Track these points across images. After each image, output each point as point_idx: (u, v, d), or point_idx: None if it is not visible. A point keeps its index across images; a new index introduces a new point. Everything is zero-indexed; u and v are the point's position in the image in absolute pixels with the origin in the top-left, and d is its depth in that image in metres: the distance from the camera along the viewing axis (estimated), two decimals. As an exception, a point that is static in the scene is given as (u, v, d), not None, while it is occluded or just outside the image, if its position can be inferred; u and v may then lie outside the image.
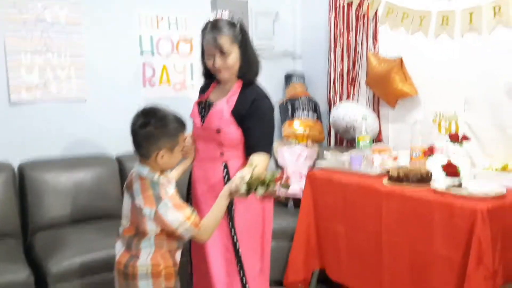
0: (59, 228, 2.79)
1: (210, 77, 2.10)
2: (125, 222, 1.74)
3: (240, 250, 1.98)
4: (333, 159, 2.96)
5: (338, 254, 2.69)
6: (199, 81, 2.27)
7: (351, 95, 3.50)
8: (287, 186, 1.70)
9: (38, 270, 2.40)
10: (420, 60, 2.99)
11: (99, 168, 3.08)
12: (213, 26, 1.94)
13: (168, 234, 1.67)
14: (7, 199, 2.72)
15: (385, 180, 2.50)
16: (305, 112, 3.60)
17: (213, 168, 2.00)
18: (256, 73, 2.03)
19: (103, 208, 2.99)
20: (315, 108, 3.67)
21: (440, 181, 2.33)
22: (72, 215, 2.89)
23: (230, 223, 1.98)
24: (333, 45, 3.60)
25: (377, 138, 3.30)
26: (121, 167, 3.14)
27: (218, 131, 1.94)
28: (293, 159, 3.29)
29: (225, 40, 1.91)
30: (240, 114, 1.95)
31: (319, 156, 3.34)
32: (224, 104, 1.97)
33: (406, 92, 3.04)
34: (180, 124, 1.72)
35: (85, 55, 3.11)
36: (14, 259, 2.40)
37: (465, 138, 2.59)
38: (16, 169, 2.87)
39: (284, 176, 1.75)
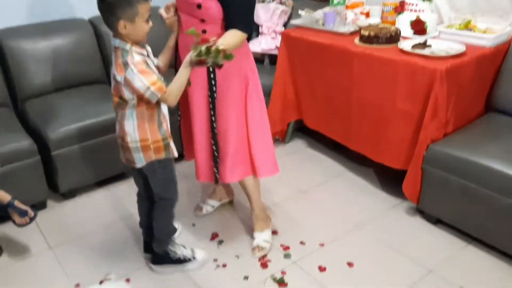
0: (47, 95, 2.91)
1: None
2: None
3: (216, 107, 2.07)
4: (307, 17, 3.03)
5: (314, 105, 2.94)
6: None
7: None
8: (230, 57, 1.73)
9: (36, 137, 2.58)
10: None
11: (74, 32, 3.07)
12: None
13: (146, 104, 1.80)
14: (-10, 70, 2.77)
15: (356, 40, 2.63)
16: (279, -37, 3.49)
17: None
18: None
19: (85, 73, 3.08)
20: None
21: (406, 41, 2.49)
22: (57, 82, 2.97)
23: (211, 88, 2.03)
24: None
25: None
26: (95, 30, 3.14)
27: (199, 6, 1.92)
28: (268, 16, 3.33)
29: None
30: None
31: (294, 11, 3.38)
32: None
33: None
34: None
35: None
36: (13, 128, 2.57)
37: (435, -6, 2.68)
38: (-9, 38, 2.86)
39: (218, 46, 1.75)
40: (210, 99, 2.05)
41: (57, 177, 2.61)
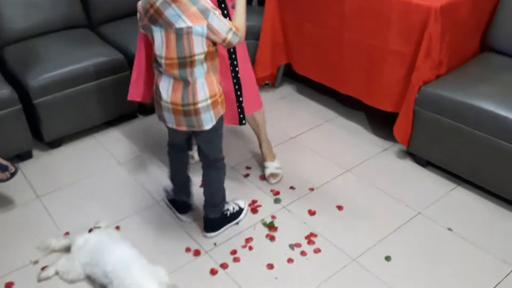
0: (26, 41, 2.78)
1: None
2: (163, 60, 1.64)
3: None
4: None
5: (303, 49, 2.85)
6: None
7: None
8: None
9: (17, 85, 2.49)
10: None
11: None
12: None
13: (211, 55, 1.65)
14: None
15: (349, -23, 2.50)
16: None
17: None
18: None
19: (66, 17, 2.93)
20: None
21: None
22: (37, 27, 2.83)
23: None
24: None
25: None
26: (74, -30, 2.97)
27: None
28: (256, -47, 3.15)
29: None
30: None
31: None
32: None
33: None
34: None
35: None
36: (-9, 76, 2.47)
37: None
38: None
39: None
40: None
41: (41, 126, 2.54)
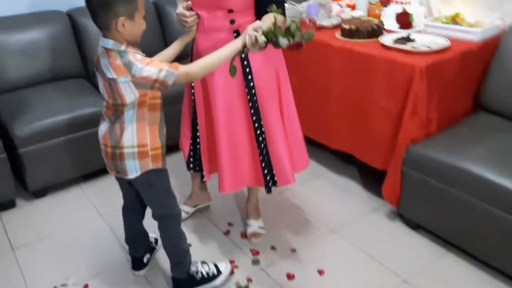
0: (21, 90, 2.82)
1: None
2: (104, 103, 1.68)
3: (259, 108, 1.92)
4: (291, 9, 2.89)
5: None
6: None
7: None
8: (310, 37, 1.49)
9: (5, 134, 2.50)
10: None
11: (51, 25, 2.98)
12: None
13: (149, 106, 1.62)
14: (-39, 64, 2.69)
15: (337, 34, 2.50)
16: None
17: (223, 39, 1.78)
18: None
19: (62, 67, 2.99)
20: None
21: (389, 35, 2.35)
22: (31, 77, 2.89)
23: (248, 83, 1.88)
24: None
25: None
26: (73, 23, 3.04)
27: None
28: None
29: None
30: None
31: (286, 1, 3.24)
32: None
33: None
34: None
35: None
36: (-20, 124, 2.49)
37: (422, -16, 2.53)
38: (-38, 31, 2.78)
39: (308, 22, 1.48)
40: (248, 95, 1.87)
41: (25, 176, 2.53)
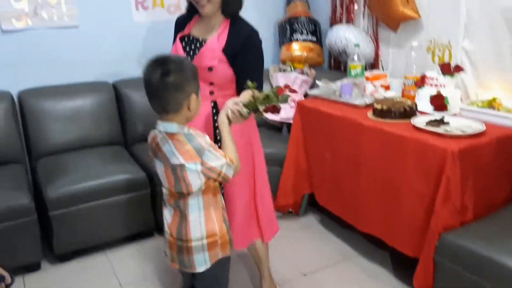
0: (61, 154, 2.93)
1: (194, 10, 1.99)
2: (165, 189, 1.64)
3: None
4: (324, 87, 2.93)
5: (323, 179, 2.77)
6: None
7: (352, 17, 3.33)
8: (285, 98, 1.62)
9: (39, 195, 2.58)
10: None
11: (96, 94, 3.14)
12: None
13: (212, 191, 1.59)
14: (9, 127, 2.84)
15: (369, 113, 2.48)
16: (304, 33, 3.47)
17: (203, 108, 1.85)
18: (239, 6, 1.95)
19: (102, 134, 3.10)
20: (315, 29, 3.53)
21: (421, 117, 2.31)
22: (73, 142, 3.01)
23: None
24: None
25: (374, 65, 3.20)
26: (117, 93, 3.20)
27: (210, 69, 1.89)
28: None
29: None
30: (232, 52, 1.88)
31: (316, 80, 3.30)
32: (215, 41, 1.91)
33: (408, 15, 2.84)
34: (193, 64, 1.64)
35: (73, -21, 3.03)
36: (18, 185, 2.56)
37: (458, 69, 2.51)
38: (16, 97, 2.97)
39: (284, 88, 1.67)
40: None
41: (53, 238, 2.56)
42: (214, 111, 1.97)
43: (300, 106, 2.86)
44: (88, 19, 3.13)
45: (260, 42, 1.96)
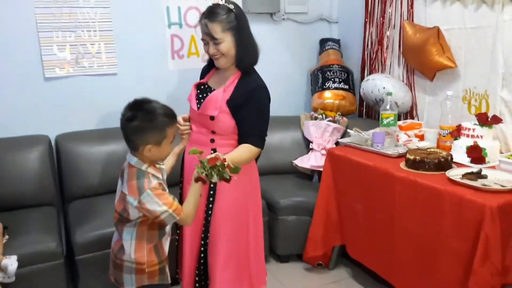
0: (93, 197, 2.97)
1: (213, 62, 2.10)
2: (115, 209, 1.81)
3: (210, 230, 2.05)
4: (356, 136, 2.88)
5: (356, 231, 2.67)
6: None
7: (386, 66, 3.31)
8: (236, 170, 1.68)
9: (68, 240, 2.60)
10: (460, 30, 2.71)
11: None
12: (207, 12, 1.95)
13: (149, 225, 1.70)
14: (45, 170, 2.91)
15: (402, 164, 2.40)
16: (336, 81, 3.46)
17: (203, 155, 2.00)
18: (253, 61, 2.03)
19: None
20: (348, 78, 3.53)
21: (457, 169, 2.21)
22: (106, 185, 3.03)
23: (208, 206, 2.03)
24: (369, 9, 3.38)
25: (410, 114, 3.13)
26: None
27: (212, 118, 1.96)
28: (319, 133, 3.23)
29: (217, 27, 1.92)
30: (236, 104, 1.94)
31: (348, 128, 3.26)
32: (220, 92, 1.98)
33: (444, 64, 2.78)
34: (169, 118, 1.71)
35: (113, 30, 3.17)
36: (47, 228, 2.59)
37: (496, 119, 2.42)
38: (53, 141, 3.07)
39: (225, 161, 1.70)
40: (205, 210, 2.02)
41: (78, 284, 2.55)
42: None
43: (330, 154, 2.81)
44: (125, 67, 3.24)
45: (265, 97, 1.99)
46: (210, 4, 2.02)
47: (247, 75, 2.00)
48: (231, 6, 1.96)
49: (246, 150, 1.93)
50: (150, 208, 1.62)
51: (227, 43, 1.93)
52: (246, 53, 1.97)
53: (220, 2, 1.95)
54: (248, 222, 2.08)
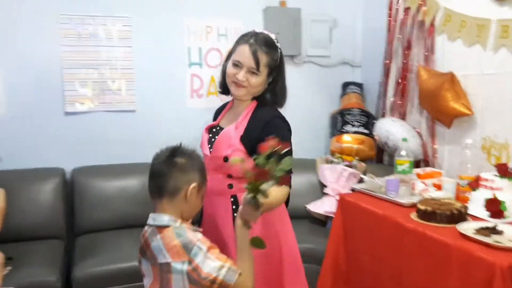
0: (101, 232, 2.96)
1: (225, 90, 1.91)
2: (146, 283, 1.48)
3: None
4: (369, 182, 2.76)
5: (364, 282, 2.50)
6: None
7: (407, 111, 3.21)
8: (288, 163, 1.37)
9: (69, 274, 2.58)
10: (477, 76, 2.62)
11: (144, 175, 3.17)
12: (257, 38, 1.78)
13: None
14: (56, 203, 2.96)
15: (413, 214, 2.26)
16: (356, 125, 3.38)
17: (221, 203, 1.80)
18: (279, 105, 1.86)
19: (144, 214, 3.09)
20: (367, 122, 3.43)
21: (471, 223, 2.05)
22: (115, 221, 3.05)
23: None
24: (389, 55, 3.33)
25: (426, 162, 2.99)
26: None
27: (226, 159, 1.74)
28: (334, 177, 3.13)
29: (264, 58, 1.76)
30: (251, 139, 1.70)
31: (366, 173, 3.14)
32: (232, 129, 1.79)
33: (460, 111, 2.68)
34: (202, 161, 1.59)
35: (135, 68, 3.26)
36: (50, 262, 2.59)
37: (517, 170, 2.25)
38: (68, 175, 3.12)
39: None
40: None
41: (75, 320, 2.51)
42: (234, 207, 1.78)
43: (342, 201, 2.69)
44: (144, 104, 3.31)
45: (285, 128, 1.78)
46: (257, 31, 1.84)
47: (262, 106, 1.81)
48: (279, 45, 1.82)
49: (280, 189, 1.63)
50: (203, 267, 1.30)
51: (261, 78, 1.77)
52: (275, 95, 1.83)
53: (272, 36, 1.82)
54: (281, 265, 1.88)
